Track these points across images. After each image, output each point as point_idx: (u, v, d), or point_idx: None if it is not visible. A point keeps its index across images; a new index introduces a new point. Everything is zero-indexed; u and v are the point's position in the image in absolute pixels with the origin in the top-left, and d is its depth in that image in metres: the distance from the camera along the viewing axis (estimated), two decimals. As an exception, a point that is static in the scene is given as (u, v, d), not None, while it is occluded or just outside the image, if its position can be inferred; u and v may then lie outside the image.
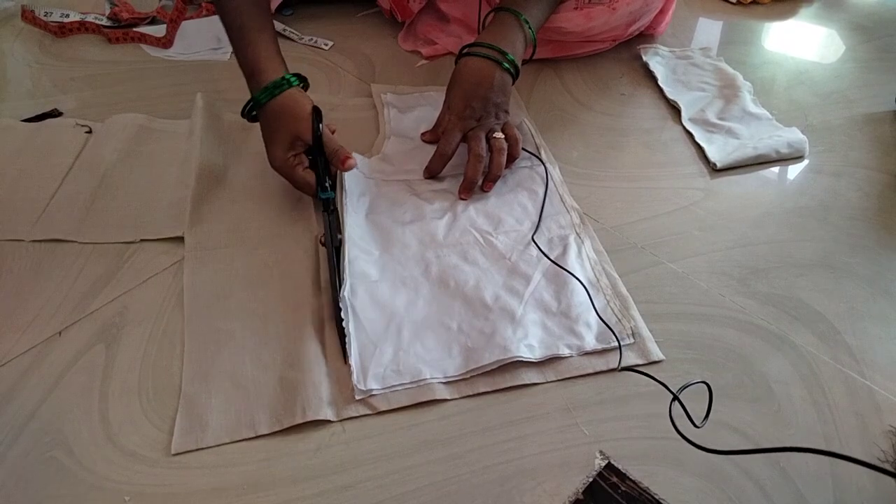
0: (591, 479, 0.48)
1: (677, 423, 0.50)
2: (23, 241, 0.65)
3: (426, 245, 0.65)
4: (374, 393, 0.52)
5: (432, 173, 0.74)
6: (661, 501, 0.46)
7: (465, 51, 0.74)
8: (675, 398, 0.52)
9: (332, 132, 0.72)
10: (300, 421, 0.51)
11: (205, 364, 0.55)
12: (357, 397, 0.52)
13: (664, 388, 0.53)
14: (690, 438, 0.49)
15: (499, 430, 0.51)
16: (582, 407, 0.52)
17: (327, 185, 0.67)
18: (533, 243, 0.65)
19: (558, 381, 0.54)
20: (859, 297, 0.62)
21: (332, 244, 0.63)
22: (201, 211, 0.69)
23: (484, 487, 0.47)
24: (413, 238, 0.66)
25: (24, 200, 0.70)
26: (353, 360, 0.54)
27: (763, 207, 0.72)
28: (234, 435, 0.50)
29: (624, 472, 0.48)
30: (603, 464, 0.49)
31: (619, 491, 0.47)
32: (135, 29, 0.99)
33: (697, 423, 0.50)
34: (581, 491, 0.47)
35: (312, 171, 0.68)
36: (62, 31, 0.99)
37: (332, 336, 0.57)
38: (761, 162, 0.78)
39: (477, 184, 0.71)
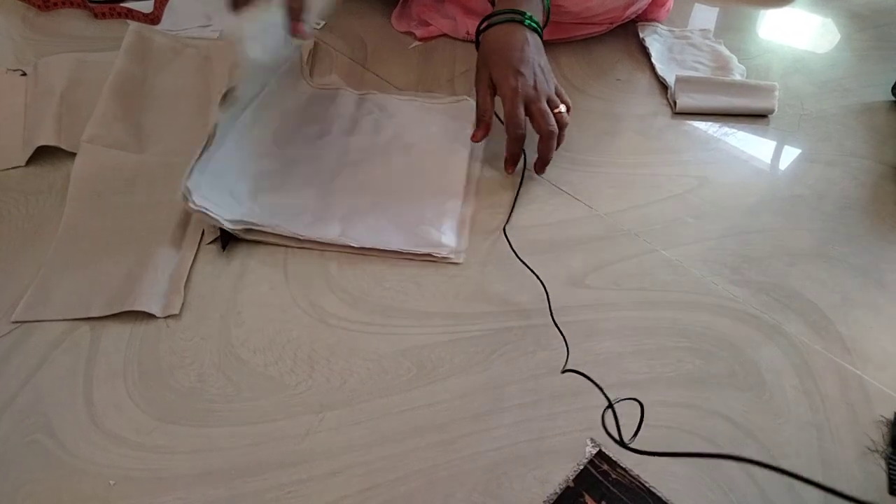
0: (581, 467, 0.47)
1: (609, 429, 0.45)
2: (13, 214, 0.64)
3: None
4: None
5: (517, 160, 0.69)
6: (652, 489, 0.46)
7: (482, 25, 0.71)
8: (610, 406, 0.47)
9: None
10: (126, 309, 0.55)
11: (68, 253, 0.61)
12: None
13: (655, 377, 0.53)
14: (622, 440, 0.44)
15: (489, 416, 0.51)
16: (573, 394, 0.52)
17: None
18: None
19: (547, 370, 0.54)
20: (852, 287, 0.62)
21: None
22: (106, 109, 0.73)
23: (474, 474, 0.47)
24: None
25: None
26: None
27: (757, 196, 0.72)
28: (69, 314, 0.55)
29: (615, 460, 0.48)
30: (594, 451, 0.48)
31: (610, 479, 0.47)
32: (121, 4, 0.97)
33: (626, 441, 0.44)
34: (572, 478, 0.47)
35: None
36: (46, 4, 0.96)
37: (189, 247, 0.61)
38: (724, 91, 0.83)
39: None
